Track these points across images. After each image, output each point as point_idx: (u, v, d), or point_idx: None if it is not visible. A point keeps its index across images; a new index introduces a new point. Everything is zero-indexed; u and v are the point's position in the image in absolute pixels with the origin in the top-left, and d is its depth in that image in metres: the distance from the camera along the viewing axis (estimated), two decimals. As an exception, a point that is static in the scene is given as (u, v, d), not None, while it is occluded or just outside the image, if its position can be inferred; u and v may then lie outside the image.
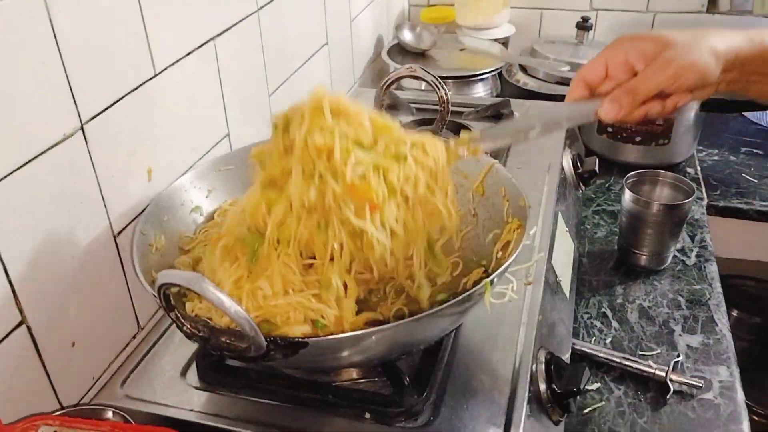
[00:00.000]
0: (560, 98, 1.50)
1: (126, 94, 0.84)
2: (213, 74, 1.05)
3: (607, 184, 1.49)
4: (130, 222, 0.86)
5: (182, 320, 0.60)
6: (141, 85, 0.87)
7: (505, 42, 1.90)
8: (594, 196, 1.45)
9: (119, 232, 0.85)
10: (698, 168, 1.56)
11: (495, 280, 0.69)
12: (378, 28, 1.85)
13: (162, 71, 0.91)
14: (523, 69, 1.75)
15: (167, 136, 0.94)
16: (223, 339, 0.58)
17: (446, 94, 0.95)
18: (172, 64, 0.93)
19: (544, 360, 0.83)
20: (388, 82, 1.03)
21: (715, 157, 1.64)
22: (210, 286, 0.53)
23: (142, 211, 0.85)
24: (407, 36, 1.79)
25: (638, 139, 1.49)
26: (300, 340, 0.59)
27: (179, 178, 0.89)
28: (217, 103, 1.07)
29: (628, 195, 1.17)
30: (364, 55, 1.76)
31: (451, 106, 1.03)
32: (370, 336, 0.63)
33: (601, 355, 1.02)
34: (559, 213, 1.12)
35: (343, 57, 1.60)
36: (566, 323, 1.01)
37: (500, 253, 0.81)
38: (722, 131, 1.74)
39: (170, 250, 0.83)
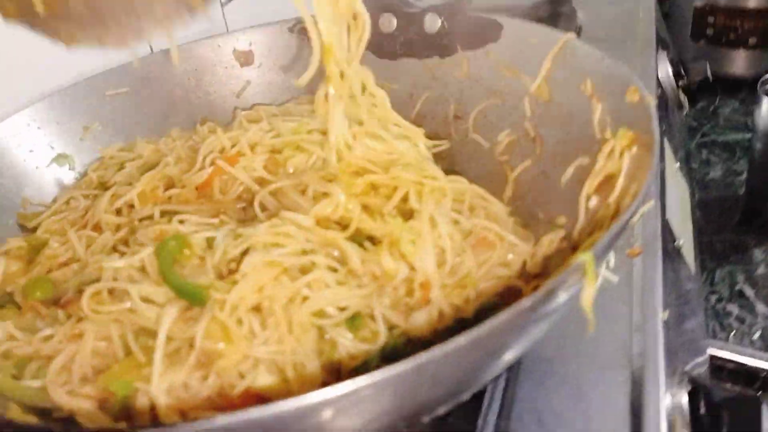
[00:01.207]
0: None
1: None
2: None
3: (712, 108, 1.07)
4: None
5: None
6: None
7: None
8: (695, 123, 1.03)
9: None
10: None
11: (600, 253, 0.30)
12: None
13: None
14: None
15: (31, 52, 0.56)
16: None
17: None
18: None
19: (686, 394, 0.44)
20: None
21: None
22: None
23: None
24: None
25: (752, 41, 1.06)
26: None
27: (21, 110, 0.52)
28: None
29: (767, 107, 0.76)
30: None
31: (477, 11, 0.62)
32: (323, 407, 0.26)
33: (753, 363, 0.62)
34: (665, 140, 0.71)
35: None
36: (697, 315, 0.61)
37: (594, 199, 0.42)
38: None
39: (-5, 229, 0.47)
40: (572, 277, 0.29)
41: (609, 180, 0.41)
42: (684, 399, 0.45)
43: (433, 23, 0.58)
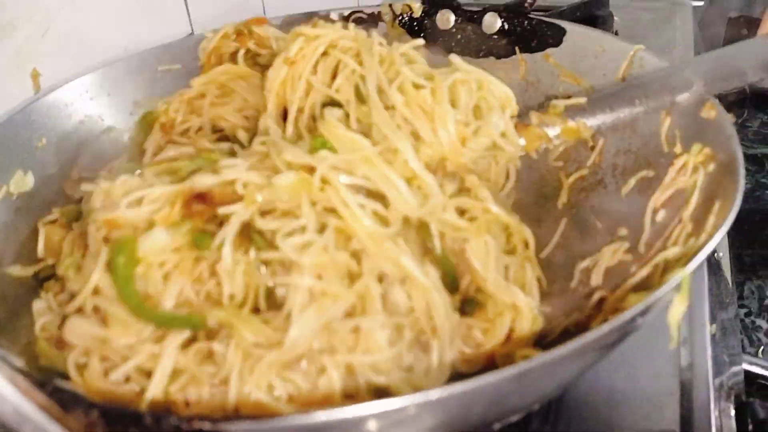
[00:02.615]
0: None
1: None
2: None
3: (740, 121, 1.06)
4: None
5: None
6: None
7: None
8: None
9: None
10: None
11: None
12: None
13: None
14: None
15: (77, 25, 0.56)
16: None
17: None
18: None
19: (732, 410, 0.45)
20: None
21: None
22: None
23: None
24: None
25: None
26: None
27: (76, 79, 0.51)
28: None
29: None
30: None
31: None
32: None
33: (784, 380, 0.62)
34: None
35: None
36: (735, 329, 0.62)
37: (661, 212, 0.41)
38: None
39: (45, 198, 0.46)
40: (669, 294, 0.29)
41: (679, 195, 0.41)
42: (732, 413, 0.45)
43: (492, 23, 0.58)
